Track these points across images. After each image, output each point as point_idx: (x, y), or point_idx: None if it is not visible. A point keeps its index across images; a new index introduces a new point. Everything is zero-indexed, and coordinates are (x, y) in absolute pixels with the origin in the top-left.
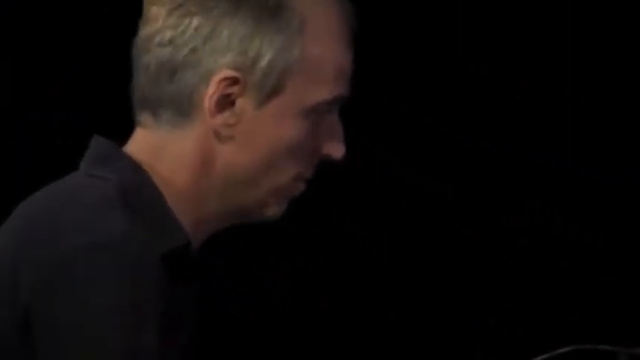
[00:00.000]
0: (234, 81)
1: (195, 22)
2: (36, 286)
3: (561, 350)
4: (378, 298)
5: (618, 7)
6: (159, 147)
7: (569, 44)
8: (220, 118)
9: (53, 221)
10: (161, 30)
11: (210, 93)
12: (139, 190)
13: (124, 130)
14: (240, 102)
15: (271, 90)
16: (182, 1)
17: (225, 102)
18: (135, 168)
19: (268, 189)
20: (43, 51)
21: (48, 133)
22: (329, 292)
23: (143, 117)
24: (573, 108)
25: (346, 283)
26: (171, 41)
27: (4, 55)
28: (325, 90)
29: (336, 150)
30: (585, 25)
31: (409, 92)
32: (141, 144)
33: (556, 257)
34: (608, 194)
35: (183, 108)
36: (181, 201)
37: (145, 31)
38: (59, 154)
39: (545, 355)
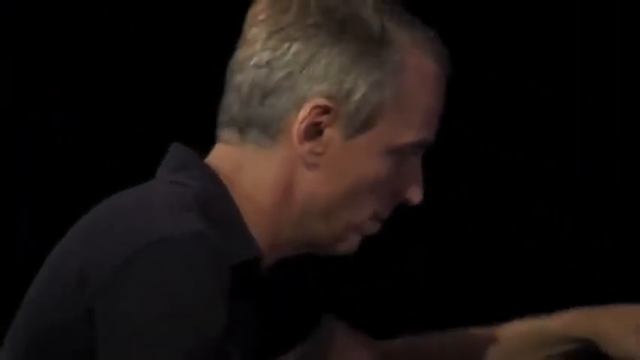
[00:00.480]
0: (325, 110)
1: (294, 47)
2: (104, 283)
3: None
4: (385, 299)
5: (629, 10)
6: (242, 164)
7: (579, 46)
8: (307, 146)
9: (129, 221)
10: (259, 52)
11: (301, 119)
12: (217, 199)
13: (125, 130)
14: (328, 132)
15: (361, 124)
16: (284, 25)
17: (314, 130)
18: (215, 179)
19: (345, 224)
20: (43, 51)
21: (48, 133)
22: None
23: (228, 134)
24: (583, 110)
25: (348, 280)
26: (268, 63)
27: (4, 55)
28: (413, 132)
29: (414, 194)
30: (597, 28)
31: None
32: (223, 158)
33: (564, 260)
34: (616, 197)
35: (271, 130)
36: (257, 220)
37: (242, 51)
38: (59, 154)
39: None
